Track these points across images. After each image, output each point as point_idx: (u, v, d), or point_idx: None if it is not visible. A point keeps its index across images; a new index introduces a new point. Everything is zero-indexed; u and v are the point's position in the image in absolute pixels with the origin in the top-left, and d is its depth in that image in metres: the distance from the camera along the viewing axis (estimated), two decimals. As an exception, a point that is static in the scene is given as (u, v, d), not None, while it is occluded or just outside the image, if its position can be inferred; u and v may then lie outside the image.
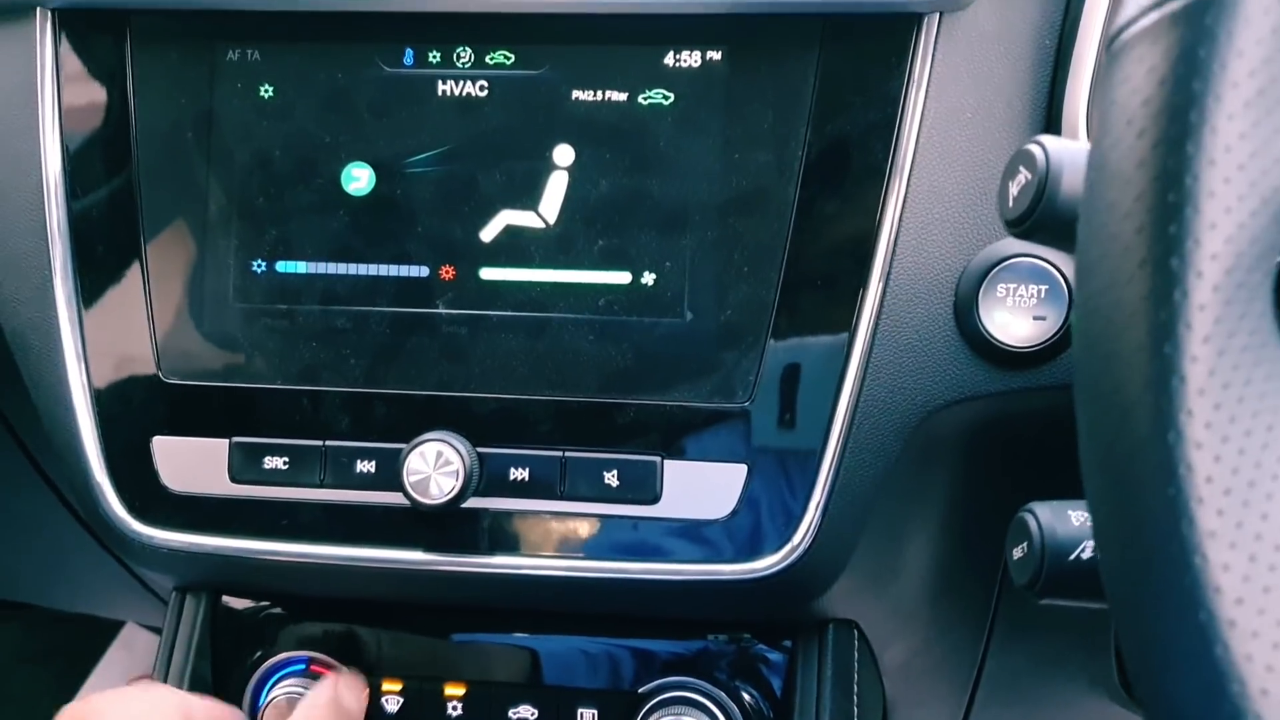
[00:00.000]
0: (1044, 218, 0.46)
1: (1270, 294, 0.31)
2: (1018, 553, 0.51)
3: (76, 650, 1.67)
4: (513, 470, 0.69)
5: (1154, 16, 0.32)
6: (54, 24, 0.72)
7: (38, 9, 0.72)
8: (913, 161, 0.66)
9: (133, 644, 1.65)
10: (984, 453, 0.72)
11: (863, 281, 0.66)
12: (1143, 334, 0.31)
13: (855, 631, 0.76)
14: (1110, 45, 0.34)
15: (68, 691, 1.64)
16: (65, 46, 0.72)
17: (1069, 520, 0.49)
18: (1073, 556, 0.49)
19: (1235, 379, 0.30)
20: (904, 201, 0.66)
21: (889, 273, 0.66)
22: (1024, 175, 0.47)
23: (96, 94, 0.72)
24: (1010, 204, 0.48)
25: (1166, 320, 0.30)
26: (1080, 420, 0.34)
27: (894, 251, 0.66)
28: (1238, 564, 0.30)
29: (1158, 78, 0.31)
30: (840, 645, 0.74)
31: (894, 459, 0.67)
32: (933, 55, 0.66)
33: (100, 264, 0.72)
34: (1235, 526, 0.30)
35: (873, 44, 0.66)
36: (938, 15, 0.65)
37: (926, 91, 0.66)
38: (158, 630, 1.54)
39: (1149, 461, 0.31)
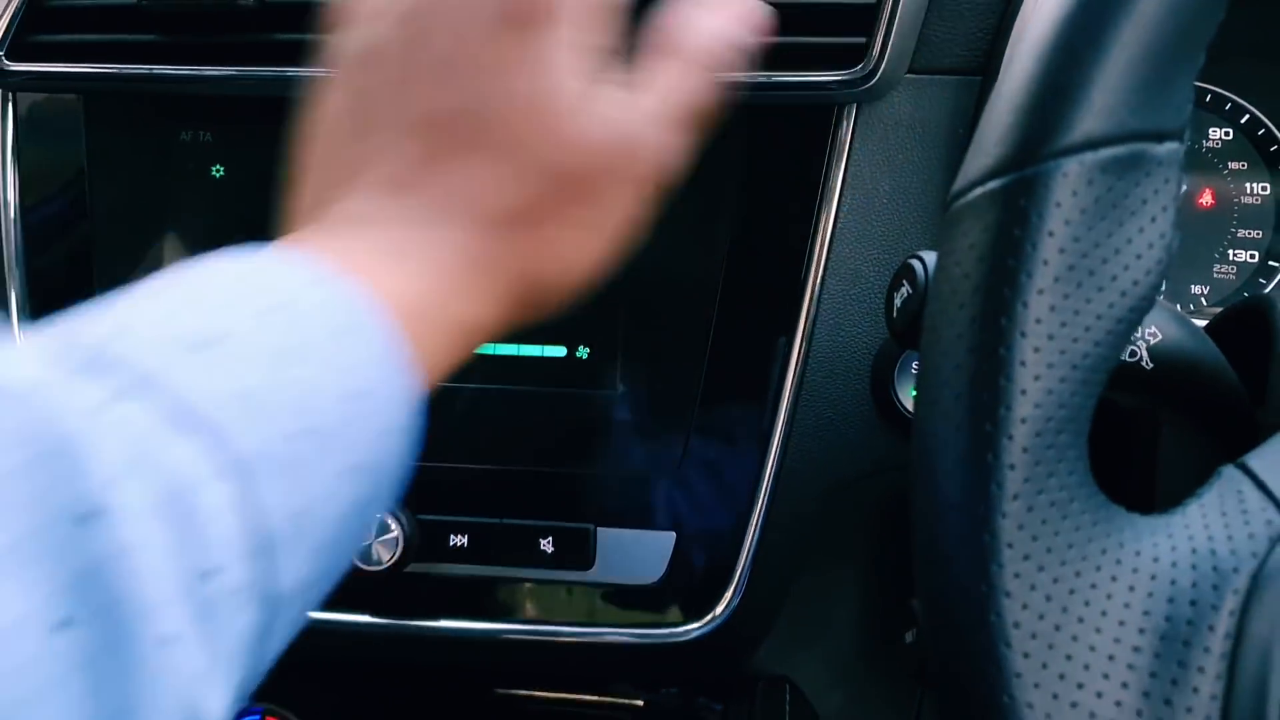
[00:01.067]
0: (915, 332, 0.50)
1: (1079, 453, 0.34)
2: (909, 636, 0.54)
3: None
4: (452, 537, 0.71)
5: (975, 194, 0.35)
6: (13, 103, 0.75)
7: (-1, 89, 0.75)
8: (830, 244, 0.69)
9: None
10: (903, 522, 0.75)
11: (784, 359, 0.69)
12: (958, 492, 0.34)
13: (786, 687, 0.79)
14: (945, 212, 0.37)
15: None
16: (24, 125, 0.75)
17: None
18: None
19: (1044, 532, 0.33)
20: (821, 283, 0.69)
21: (807, 351, 0.69)
22: (906, 288, 0.50)
23: (53, 171, 0.75)
24: (895, 314, 0.51)
25: (979, 481, 0.34)
26: (914, 562, 0.37)
27: (813, 330, 0.69)
28: (1041, 703, 0.33)
29: (976, 254, 0.35)
30: (772, 702, 0.78)
31: (816, 526, 0.70)
32: (850, 142, 0.69)
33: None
34: (1040, 668, 0.33)
35: (794, 132, 0.69)
36: (855, 105, 0.68)
37: (844, 177, 0.69)
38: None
39: (965, 609, 0.34)
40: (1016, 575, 0.33)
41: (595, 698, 0.78)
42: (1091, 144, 0.34)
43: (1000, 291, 0.34)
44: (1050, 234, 0.34)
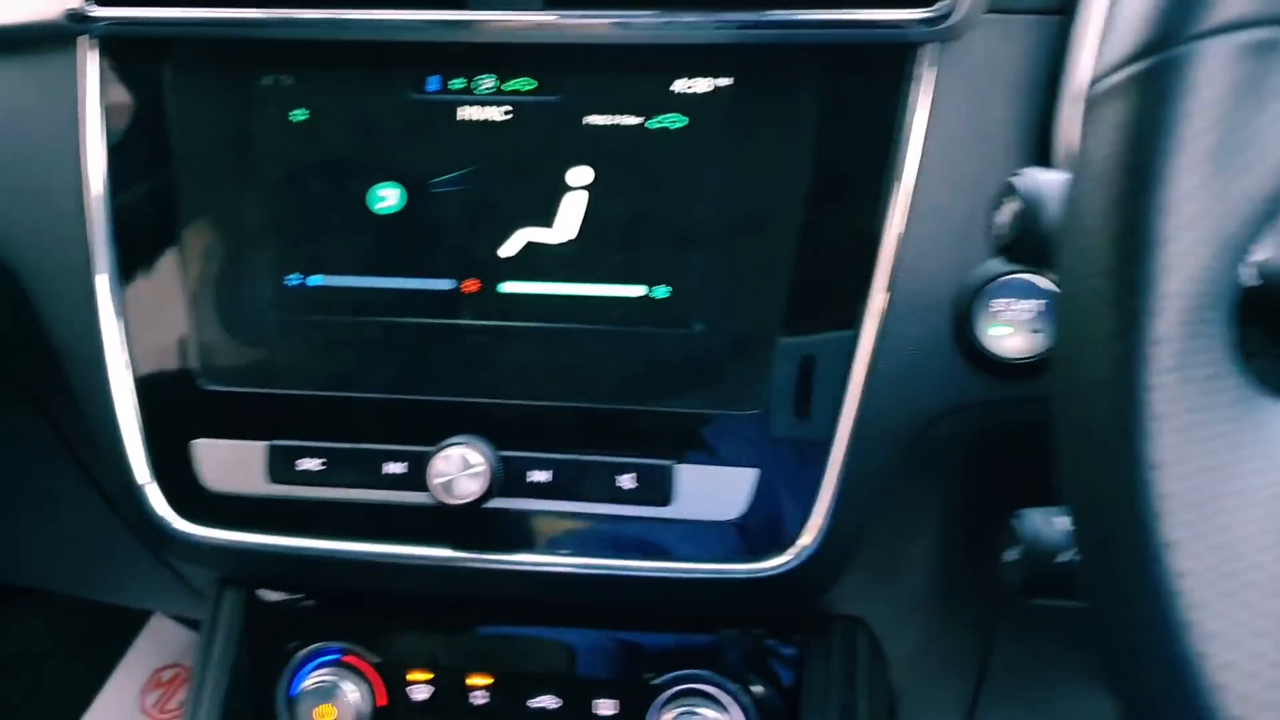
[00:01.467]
0: (1027, 243, 0.50)
1: (1226, 330, 0.35)
2: (1008, 555, 0.54)
3: (105, 639, 1.71)
4: (533, 473, 0.72)
5: (1117, 77, 0.36)
6: (98, 50, 0.76)
7: (81, 37, 0.76)
8: (913, 182, 0.69)
9: (160, 633, 1.69)
10: (983, 459, 0.76)
11: (865, 295, 0.69)
12: (1107, 367, 0.35)
13: (861, 628, 0.80)
14: (1086, 99, 0.38)
15: (97, 679, 1.69)
16: (107, 73, 0.76)
17: (1054, 526, 0.53)
18: (1059, 560, 0.52)
19: (1193, 406, 0.34)
20: (904, 220, 0.69)
21: (891, 287, 0.69)
22: (1010, 204, 0.51)
23: (137, 118, 0.76)
24: (1000, 230, 0.52)
25: (1128, 354, 0.34)
26: (1057, 440, 0.38)
27: (895, 267, 0.69)
28: (1195, 572, 0.33)
29: (1121, 135, 0.35)
30: (847, 641, 0.78)
31: (896, 465, 0.70)
32: (930, 82, 0.69)
33: (143, 276, 0.76)
34: (1193, 538, 0.34)
35: (872, 72, 0.70)
36: (934, 44, 0.69)
37: (924, 116, 0.69)
38: (185, 621, 1.59)
39: (1116, 482, 0.34)
40: (1166, 448, 0.34)
41: (668, 636, 0.79)
42: (1232, 26, 0.34)
43: (1146, 170, 0.34)
44: (1193, 115, 0.34)
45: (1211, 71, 0.34)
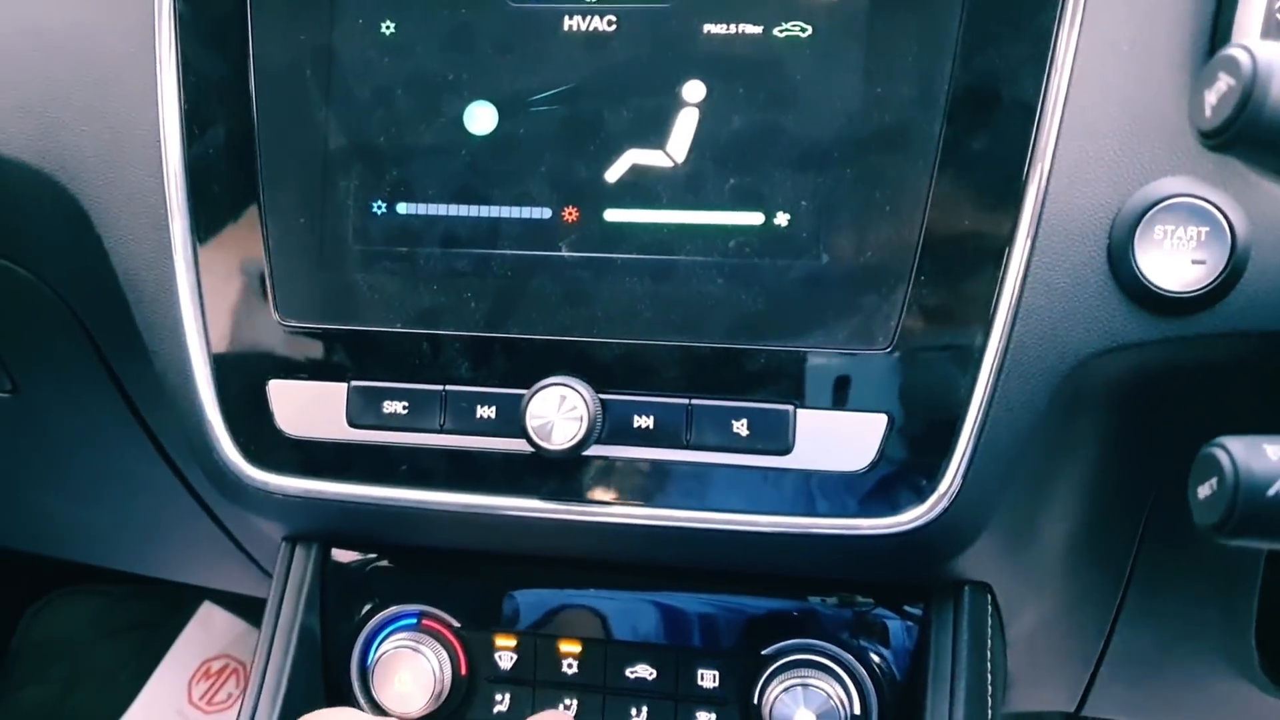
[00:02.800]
0: (1247, 128, 0.43)
1: None
2: (1204, 490, 0.47)
3: (154, 624, 1.68)
4: (637, 418, 0.66)
5: None
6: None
7: (157, -57, 0.71)
8: (1065, 97, 0.63)
9: (209, 622, 1.66)
10: (1134, 406, 0.69)
11: (1012, 223, 0.63)
12: None
13: (990, 596, 0.73)
14: None
15: (147, 664, 1.65)
16: (187, -16, 0.71)
17: (1265, 454, 0.46)
18: (1271, 492, 0.45)
19: None
20: (1056, 140, 0.63)
21: (1040, 214, 0.63)
22: (1226, 81, 0.44)
23: (214, 31, 0.71)
24: (1208, 113, 0.45)
25: None
26: None
27: (1046, 192, 0.63)
28: None
29: None
30: (976, 609, 0.71)
31: (1043, 410, 0.64)
32: (1086, -11, 0.62)
33: (217, 203, 0.71)
34: None
35: (1025, -25, 0.63)
36: (1100, -57, 0.62)
37: (1080, 24, 0.63)
38: (240, 606, 1.56)
39: None
40: None
41: (777, 602, 0.72)
42: None
43: None
44: None
45: None
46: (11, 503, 1.13)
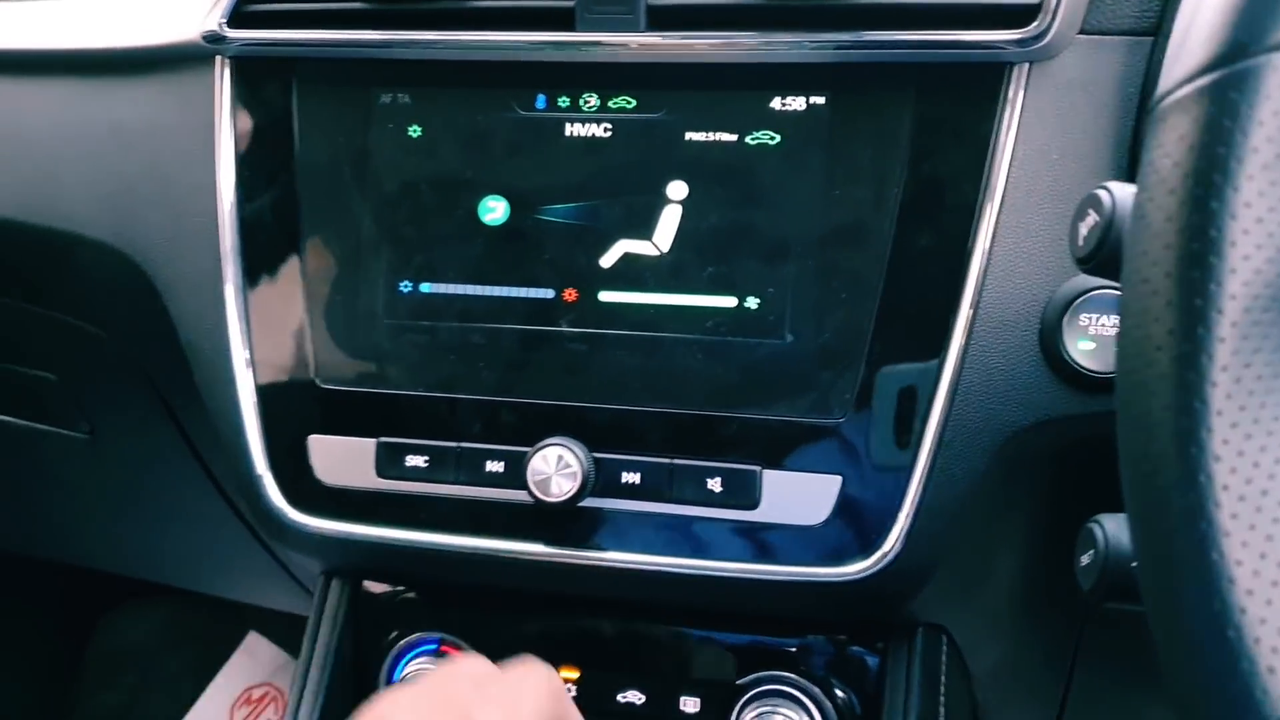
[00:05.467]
0: (1109, 256, 0.51)
1: None
2: (1084, 559, 0.56)
3: (214, 638, 1.79)
4: (625, 474, 0.75)
5: (1186, 90, 0.38)
6: (231, 69, 0.82)
7: (217, 56, 0.82)
8: (1002, 199, 0.71)
9: (255, 651, 1.76)
10: (1067, 470, 0.77)
11: (953, 309, 0.71)
12: (1168, 363, 0.36)
13: (944, 637, 0.81)
14: (1150, 113, 0.39)
15: (204, 674, 1.76)
16: (240, 88, 0.82)
17: (1127, 531, 0.54)
18: (1134, 564, 0.53)
19: (1250, 403, 0.35)
20: (993, 236, 0.71)
21: (979, 302, 0.71)
22: (1092, 217, 0.52)
23: (266, 132, 0.81)
24: (1080, 242, 0.53)
25: (1189, 352, 0.36)
26: (1119, 437, 0.39)
27: (983, 282, 0.71)
28: (1249, 560, 0.35)
29: (1187, 144, 0.37)
30: (928, 649, 0.79)
31: (980, 475, 0.72)
32: (1021, 100, 0.71)
33: (266, 282, 0.81)
34: (1248, 528, 0.35)
35: (965, 91, 0.71)
36: (1027, 64, 0.70)
37: (1016, 134, 0.71)
38: (280, 636, 1.65)
39: (1173, 472, 0.36)
40: (1225, 441, 0.35)
41: (752, 638, 0.81)
42: (1300, 40, 0.36)
43: (1210, 177, 0.36)
44: (1260, 123, 0.36)
45: (1279, 82, 0.36)
46: (88, 527, 1.24)
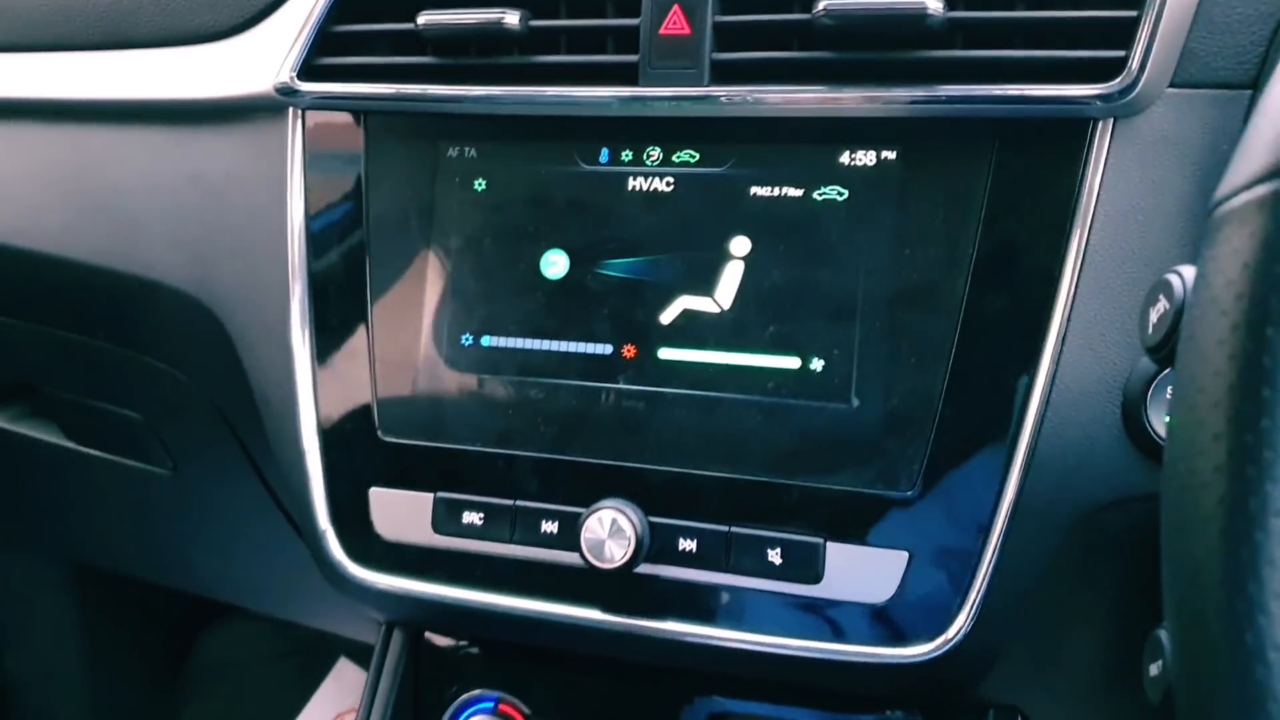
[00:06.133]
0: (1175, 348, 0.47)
1: None
2: (1153, 669, 0.51)
3: (310, 652, 1.83)
4: (681, 541, 0.73)
5: (1243, 198, 0.34)
6: (303, 120, 0.83)
7: (290, 108, 0.83)
8: (1083, 261, 0.66)
9: (343, 677, 1.79)
10: (1147, 550, 0.71)
11: (1029, 378, 0.67)
12: (1214, 503, 0.33)
13: (1018, 718, 0.76)
14: (1207, 218, 0.36)
15: (304, 689, 1.80)
16: (312, 139, 0.82)
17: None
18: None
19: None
20: (1073, 301, 0.67)
21: (1056, 371, 0.67)
22: (1163, 304, 0.48)
23: (336, 182, 0.82)
24: (1150, 330, 0.49)
25: (1238, 492, 0.32)
26: (1163, 568, 0.36)
27: (1062, 350, 0.67)
28: None
29: (1241, 260, 0.33)
30: (1001, 731, 0.75)
31: (1056, 553, 0.67)
32: (1105, 158, 0.66)
33: (333, 333, 0.81)
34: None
35: (1046, 147, 0.68)
36: (1112, 119, 0.66)
37: (1099, 194, 0.66)
38: (370, 659, 1.67)
39: (1221, 624, 0.32)
40: (1278, 594, 0.31)
41: (814, 712, 0.78)
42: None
43: (1266, 300, 0.32)
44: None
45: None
46: (176, 554, 1.28)
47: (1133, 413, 0.65)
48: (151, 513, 1.20)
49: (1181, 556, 0.34)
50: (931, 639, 0.69)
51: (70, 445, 1.14)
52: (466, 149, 0.79)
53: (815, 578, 0.71)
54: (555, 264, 0.77)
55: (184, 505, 1.15)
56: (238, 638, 1.86)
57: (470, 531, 0.77)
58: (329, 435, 0.81)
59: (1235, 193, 0.34)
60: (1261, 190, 0.33)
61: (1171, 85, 0.66)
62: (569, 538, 0.74)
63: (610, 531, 0.72)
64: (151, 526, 1.23)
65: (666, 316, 0.75)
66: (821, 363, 0.72)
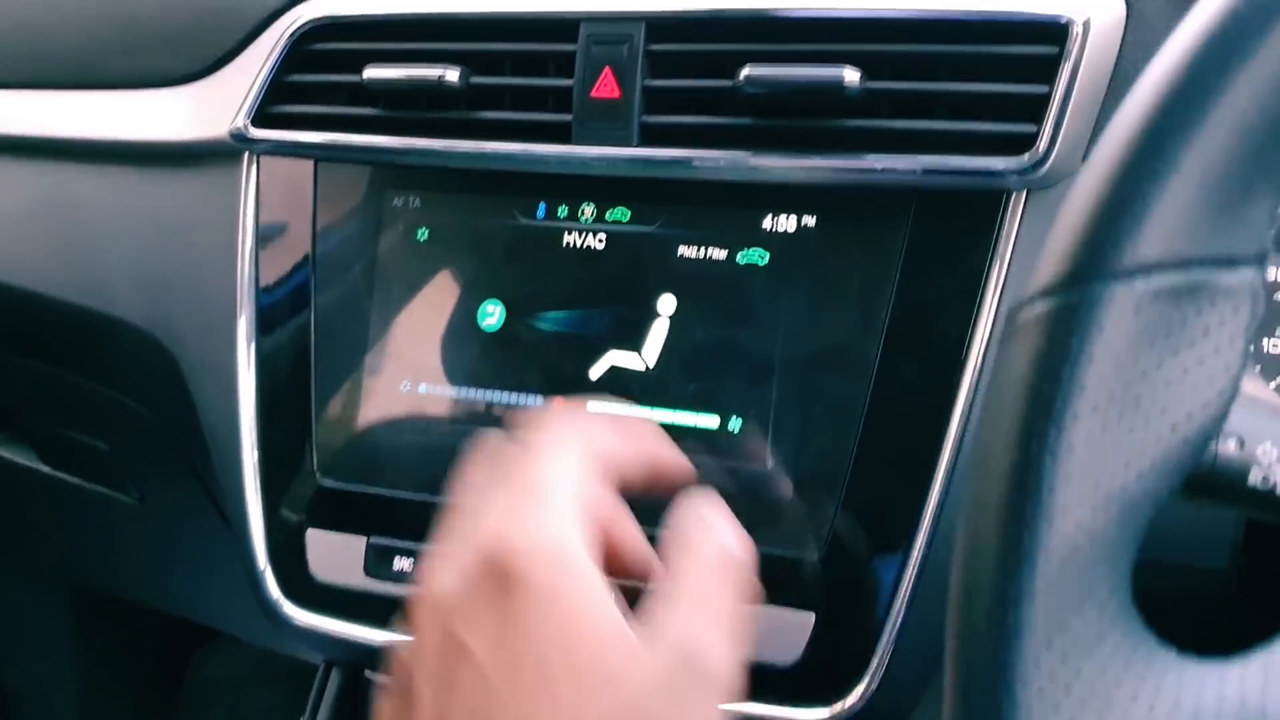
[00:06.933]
0: None
1: (1114, 588, 0.33)
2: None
3: (308, 675, 1.84)
4: (602, 592, 0.74)
5: (1024, 314, 0.35)
6: (257, 165, 0.85)
7: (245, 153, 0.85)
8: (992, 329, 0.67)
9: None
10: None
11: (938, 443, 0.68)
12: (983, 617, 0.34)
13: (932, 779, 0.77)
14: (1009, 313, 0.37)
15: (299, 711, 1.81)
16: (264, 184, 0.85)
17: None
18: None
19: (1063, 671, 0.32)
20: (981, 367, 0.67)
21: (964, 435, 0.67)
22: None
23: (285, 226, 0.84)
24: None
25: (1001, 608, 0.33)
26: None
27: (969, 417, 0.67)
28: None
29: (1017, 375, 0.34)
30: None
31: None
32: (1018, 229, 0.67)
33: (276, 375, 0.83)
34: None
35: (961, 216, 0.68)
36: (1024, 193, 0.67)
37: (1009, 263, 0.67)
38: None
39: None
40: (1030, 711, 0.32)
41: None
42: (1144, 269, 0.33)
43: (1035, 417, 0.33)
44: (1091, 361, 0.33)
45: (1114, 316, 0.33)
46: (155, 577, 1.31)
47: (1038, 483, 0.66)
48: (123, 539, 1.23)
49: (954, 662, 0.35)
50: (837, 700, 0.70)
51: (47, 470, 1.18)
52: (411, 199, 0.81)
53: (724, 636, 0.71)
54: (492, 315, 0.79)
55: (151, 534, 1.18)
56: (234, 658, 1.89)
57: (401, 577, 0.79)
58: (269, 475, 0.83)
59: (1019, 306, 0.35)
60: (1039, 306, 0.34)
61: (1085, 160, 0.66)
62: (494, 585, 0.75)
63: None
64: (123, 552, 1.26)
65: (595, 371, 0.76)
66: (740, 422, 0.73)
